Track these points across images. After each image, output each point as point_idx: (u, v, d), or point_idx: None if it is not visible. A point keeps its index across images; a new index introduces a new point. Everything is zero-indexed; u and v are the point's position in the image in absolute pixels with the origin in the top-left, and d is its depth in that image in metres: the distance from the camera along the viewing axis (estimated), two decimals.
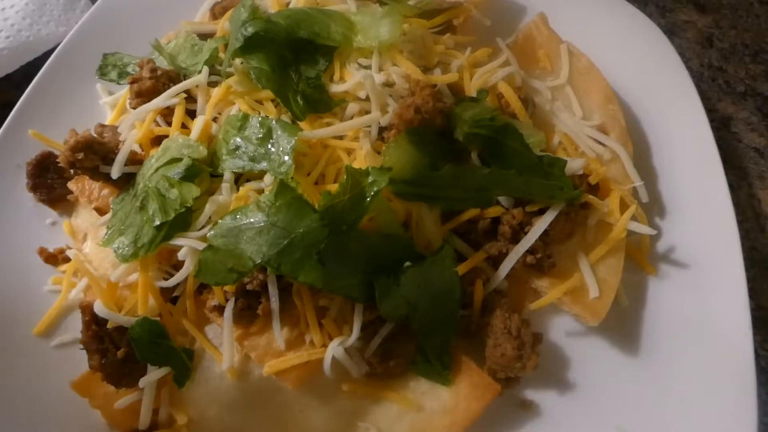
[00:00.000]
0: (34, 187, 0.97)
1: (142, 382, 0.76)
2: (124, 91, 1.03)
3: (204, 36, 1.05)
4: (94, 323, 0.75)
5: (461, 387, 0.77)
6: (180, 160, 0.79)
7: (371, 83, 0.84)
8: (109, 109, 1.07)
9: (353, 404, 0.78)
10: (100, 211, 0.88)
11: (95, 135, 0.86)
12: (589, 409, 0.80)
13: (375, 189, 0.71)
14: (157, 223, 0.76)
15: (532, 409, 0.81)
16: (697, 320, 0.84)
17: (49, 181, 0.98)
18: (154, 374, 0.75)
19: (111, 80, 1.08)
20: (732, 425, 0.76)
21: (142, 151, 0.89)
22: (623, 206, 0.87)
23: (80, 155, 0.79)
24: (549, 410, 0.81)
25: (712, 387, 0.79)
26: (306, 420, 0.77)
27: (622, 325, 0.85)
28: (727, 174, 0.93)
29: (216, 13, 1.13)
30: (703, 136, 0.96)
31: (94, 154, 0.81)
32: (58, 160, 0.83)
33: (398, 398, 0.78)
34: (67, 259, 0.92)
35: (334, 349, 0.74)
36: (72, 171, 0.90)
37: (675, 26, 1.33)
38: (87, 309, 0.76)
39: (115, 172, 0.83)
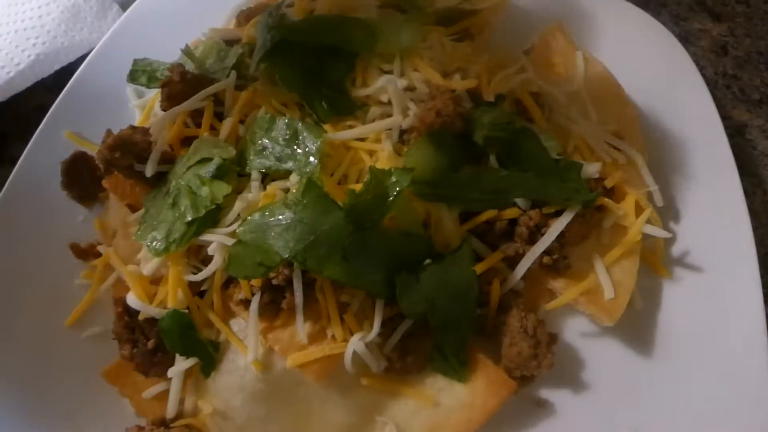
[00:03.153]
0: (67, 185, 1.01)
1: (171, 371, 0.78)
2: (152, 95, 1.07)
3: (230, 42, 1.08)
4: (126, 315, 0.78)
5: (477, 384, 0.78)
6: (210, 159, 0.82)
7: (394, 88, 0.87)
8: (139, 112, 1.11)
9: (372, 398, 0.80)
10: (132, 208, 0.92)
11: None
12: (603, 410, 0.81)
13: (398, 189, 0.74)
14: (189, 219, 0.78)
15: (546, 407, 0.82)
16: (711, 324, 0.85)
17: (81, 180, 1.02)
18: (182, 364, 0.78)
19: (141, 84, 1.12)
20: (745, 429, 0.76)
21: (173, 151, 0.92)
22: (638, 210, 0.88)
23: (117, 153, 0.83)
24: (563, 409, 0.81)
25: (725, 391, 0.79)
26: (326, 412, 0.79)
27: (637, 327, 0.86)
28: (741, 181, 0.93)
29: (241, 21, 1.16)
30: (718, 140, 0.97)
31: (129, 152, 0.84)
32: (95, 158, 0.86)
33: (415, 394, 0.79)
34: (98, 255, 0.95)
35: (355, 343, 0.76)
36: (104, 169, 0.94)
37: (689, 34, 1.34)
38: (120, 301, 0.79)
39: (149, 170, 0.86)
